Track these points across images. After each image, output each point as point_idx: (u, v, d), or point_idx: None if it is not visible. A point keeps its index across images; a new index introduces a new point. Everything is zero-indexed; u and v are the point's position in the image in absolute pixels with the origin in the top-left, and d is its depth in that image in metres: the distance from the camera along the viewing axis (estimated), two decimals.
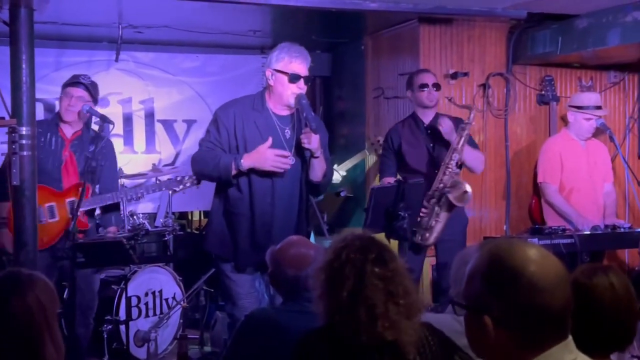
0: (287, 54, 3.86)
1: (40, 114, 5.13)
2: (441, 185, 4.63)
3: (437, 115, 4.92)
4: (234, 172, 3.80)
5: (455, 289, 2.49)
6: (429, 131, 4.89)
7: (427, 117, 4.92)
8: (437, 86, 4.90)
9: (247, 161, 3.78)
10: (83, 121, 4.66)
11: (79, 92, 4.60)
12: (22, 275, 1.79)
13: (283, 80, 3.85)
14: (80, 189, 4.50)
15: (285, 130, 3.94)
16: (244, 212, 3.90)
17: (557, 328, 1.54)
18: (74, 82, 4.64)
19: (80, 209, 4.35)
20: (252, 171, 3.84)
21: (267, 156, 3.76)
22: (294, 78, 3.84)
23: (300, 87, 3.87)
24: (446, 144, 4.76)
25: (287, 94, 3.87)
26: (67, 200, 4.54)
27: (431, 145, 4.87)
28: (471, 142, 4.89)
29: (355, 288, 2.04)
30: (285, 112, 3.96)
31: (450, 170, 4.66)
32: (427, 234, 4.64)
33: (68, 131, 4.64)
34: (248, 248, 3.89)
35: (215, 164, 3.82)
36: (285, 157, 3.79)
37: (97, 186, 4.69)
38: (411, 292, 2.09)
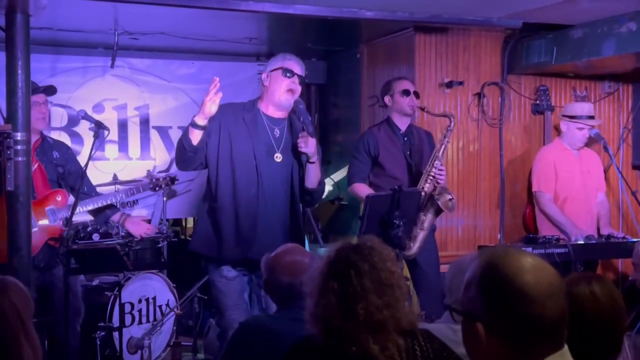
0: (281, 57, 4.03)
1: None
2: (423, 193, 4.65)
3: (411, 125, 4.99)
4: (191, 133, 3.81)
5: (451, 297, 2.48)
6: (405, 138, 4.91)
7: (403, 124, 4.95)
8: (417, 94, 4.96)
9: (198, 114, 3.80)
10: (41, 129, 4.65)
11: (41, 97, 4.60)
12: None
13: (277, 76, 3.97)
14: (58, 197, 4.53)
15: (275, 130, 4.01)
16: (227, 206, 3.93)
17: (550, 339, 1.54)
18: (33, 89, 4.58)
19: (62, 217, 4.46)
20: (236, 162, 3.90)
21: (204, 99, 3.77)
22: (287, 71, 3.94)
23: (294, 82, 3.96)
24: (420, 152, 4.86)
25: (281, 90, 3.96)
26: (47, 208, 4.51)
27: (408, 152, 4.89)
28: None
29: (316, 302, 2.09)
30: (277, 115, 4.03)
31: (432, 177, 4.70)
32: (412, 244, 4.64)
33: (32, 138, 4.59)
34: (232, 242, 3.92)
35: (180, 137, 3.88)
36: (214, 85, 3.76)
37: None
38: (380, 308, 2.05)
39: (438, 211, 4.70)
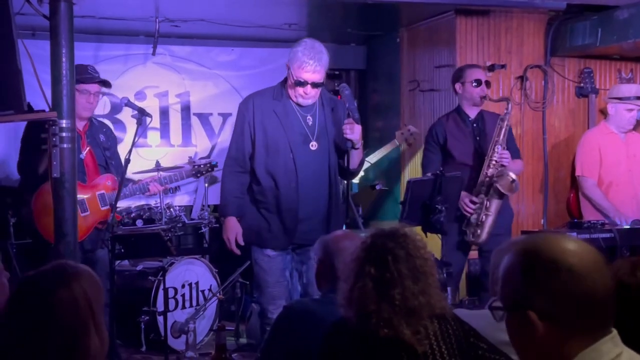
0: (301, 56, 3.91)
1: None
2: (487, 178, 4.67)
3: (482, 112, 4.91)
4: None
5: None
6: (474, 125, 4.86)
7: (472, 112, 4.88)
8: (488, 84, 4.90)
9: (225, 223, 4.05)
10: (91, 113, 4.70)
11: (95, 87, 4.64)
12: (68, 267, 1.81)
13: (292, 82, 3.95)
14: (107, 182, 4.60)
15: (307, 117, 4.02)
16: (269, 200, 3.99)
17: (602, 316, 1.52)
18: (87, 77, 4.62)
19: (112, 201, 4.51)
20: (273, 156, 3.95)
21: (227, 233, 4.01)
22: (299, 84, 3.92)
23: (307, 92, 3.93)
24: (492, 137, 4.80)
25: (295, 95, 3.98)
26: (97, 193, 4.58)
27: (477, 138, 4.84)
28: (513, 149, 4.87)
29: (352, 286, 2.15)
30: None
31: (494, 162, 4.68)
32: (479, 231, 4.63)
33: (80, 124, 4.59)
34: (277, 233, 3.98)
35: (221, 204, 4.12)
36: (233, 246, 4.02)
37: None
38: (416, 294, 2.12)
39: (500, 195, 4.67)
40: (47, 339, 1.70)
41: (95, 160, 4.62)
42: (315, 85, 3.93)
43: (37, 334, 1.70)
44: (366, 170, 6.10)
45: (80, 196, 4.40)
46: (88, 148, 4.57)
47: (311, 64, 3.87)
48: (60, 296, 1.72)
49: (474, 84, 4.80)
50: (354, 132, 3.85)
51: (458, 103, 4.95)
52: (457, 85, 4.86)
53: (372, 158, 6.16)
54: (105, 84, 4.72)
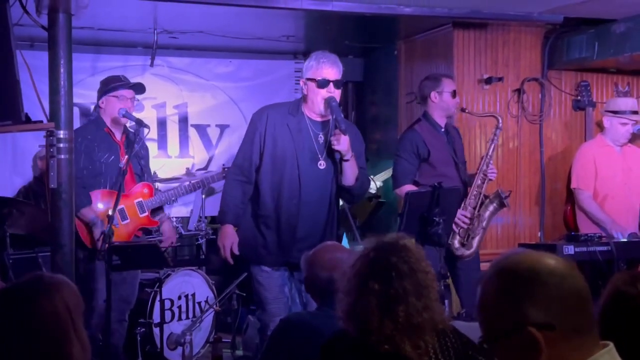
0: (315, 60, 3.97)
1: (76, 118, 5.19)
2: (475, 191, 4.70)
3: (447, 122, 4.94)
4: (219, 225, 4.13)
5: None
6: (447, 135, 4.87)
7: (443, 122, 4.87)
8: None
9: (222, 230, 4.05)
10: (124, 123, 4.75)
11: (131, 93, 4.71)
12: (46, 277, 1.85)
13: (313, 87, 3.94)
14: (145, 189, 4.71)
15: (319, 136, 4.00)
16: (270, 215, 3.98)
17: (590, 314, 1.54)
18: (121, 83, 4.69)
19: (149, 208, 4.69)
20: (279, 171, 3.95)
21: (223, 240, 4.00)
22: (322, 83, 3.92)
23: (330, 92, 3.94)
24: (458, 148, 4.88)
25: (318, 100, 3.95)
26: (135, 201, 4.66)
27: (452, 149, 4.85)
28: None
29: (354, 301, 2.11)
30: (321, 118, 4.02)
31: (483, 176, 4.70)
32: (473, 242, 4.66)
33: (117, 134, 4.70)
34: (273, 249, 3.97)
35: (221, 210, 4.09)
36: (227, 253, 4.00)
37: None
38: (420, 310, 2.09)
39: (497, 208, 4.73)
40: (30, 348, 1.73)
41: (132, 169, 4.66)
42: (337, 85, 3.94)
43: (19, 343, 1.73)
44: None
45: (120, 205, 4.46)
46: (126, 157, 4.61)
47: (328, 62, 3.94)
48: (41, 305, 1.75)
49: (451, 95, 4.80)
50: (340, 142, 3.85)
51: (425, 111, 4.86)
52: (433, 94, 4.79)
53: (380, 177, 6.18)
54: (139, 88, 4.77)
